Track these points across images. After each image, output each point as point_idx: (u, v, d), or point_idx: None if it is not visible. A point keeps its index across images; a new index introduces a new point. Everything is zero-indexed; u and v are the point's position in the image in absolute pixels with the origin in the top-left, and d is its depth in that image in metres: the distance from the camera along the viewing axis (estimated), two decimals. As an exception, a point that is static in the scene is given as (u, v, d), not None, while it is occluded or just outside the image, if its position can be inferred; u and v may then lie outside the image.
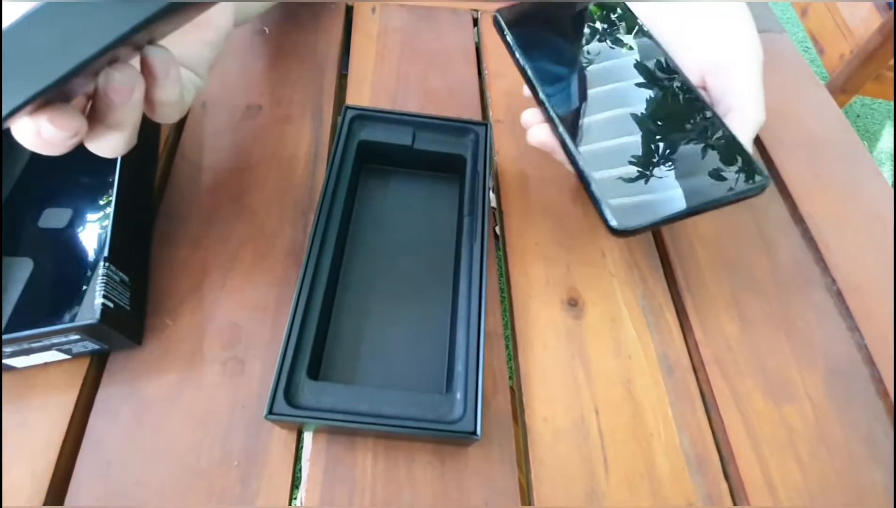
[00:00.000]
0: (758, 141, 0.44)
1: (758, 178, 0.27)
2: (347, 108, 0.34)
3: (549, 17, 0.33)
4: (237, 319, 0.31)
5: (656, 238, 0.37)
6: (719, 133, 0.28)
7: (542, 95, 0.30)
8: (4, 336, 0.23)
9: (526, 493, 0.27)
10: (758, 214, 0.39)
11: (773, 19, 0.55)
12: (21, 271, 0.29)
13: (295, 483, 0.27)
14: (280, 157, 0.37)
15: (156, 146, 0.36)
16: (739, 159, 0.27)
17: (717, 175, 0.27)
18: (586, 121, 0.29)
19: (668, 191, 0.26)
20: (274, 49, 0.44)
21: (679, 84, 0.30)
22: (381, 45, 0.46)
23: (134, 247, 0.30)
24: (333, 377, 0.28)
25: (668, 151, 0.27)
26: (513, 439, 0.28)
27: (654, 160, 0.27)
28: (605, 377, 0.31)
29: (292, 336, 0.26)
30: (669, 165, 0.27)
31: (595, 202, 0.26)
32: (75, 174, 0.33)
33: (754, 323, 0.34)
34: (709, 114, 0.28)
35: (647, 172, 0.27)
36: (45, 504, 0.24)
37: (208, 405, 0.28)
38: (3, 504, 0.24)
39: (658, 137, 0.28)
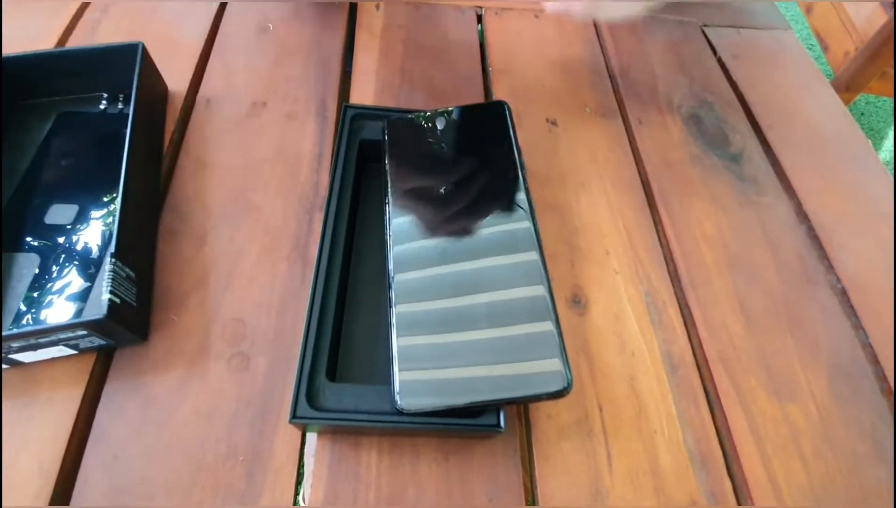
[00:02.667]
0: (762, 138, 0.44)
1: (562, 382, 0.24)
2: (347, 107, 0.34)
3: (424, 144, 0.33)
4: (242, 315, 0.31)
5: (660, 236, 0.37)
6: (543, 321, 0.26)
7: (388, 218, 0.30)
8: (11, 332, 0.24)
9: (530, 490, 0.28)
10: (762, 211, 0.39)
11: (778, 16, 0.55)
12: (28, 266, 0.30)
13: (299, 480, 0.27)
14: (285, 154, 0.37)
15: (160, 142, 0.36)
16: (551, 358, 0.25)
17: (525, 368, 0.25)
18: (411, 276, 0.27)
19: (468, 374, 0.25)
20: (278, 46, 0.44)
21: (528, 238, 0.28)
22: (385, 42, 0.46)
23: (139, 243, 0.30)
24: (349, 378, 0.28)
25: (471, 328, 0.26)
26: (517, 436, 0.28)
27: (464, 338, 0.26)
28: (609, 374, 0.31)
29: (310, 338, 0.26)
30: (475, 349, 0.25)
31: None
32: (81, 170, 0.34)
33: (759, 321, 0.34)
34: (540, 291, 0.27)
35: (454, 349, 0.25)
36: (51, 498, 0.25)
37: (213, 400, 0.28)
38: (5, 504, 0.25)
39: (472, 312, 0.26)
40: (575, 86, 0.45)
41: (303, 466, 0.27)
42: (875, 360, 0.33)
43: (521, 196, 0.30)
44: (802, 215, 0.39)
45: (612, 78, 0.46)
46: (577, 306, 0.33)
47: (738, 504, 0.28)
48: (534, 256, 0.28)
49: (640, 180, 0.40)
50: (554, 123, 0.42)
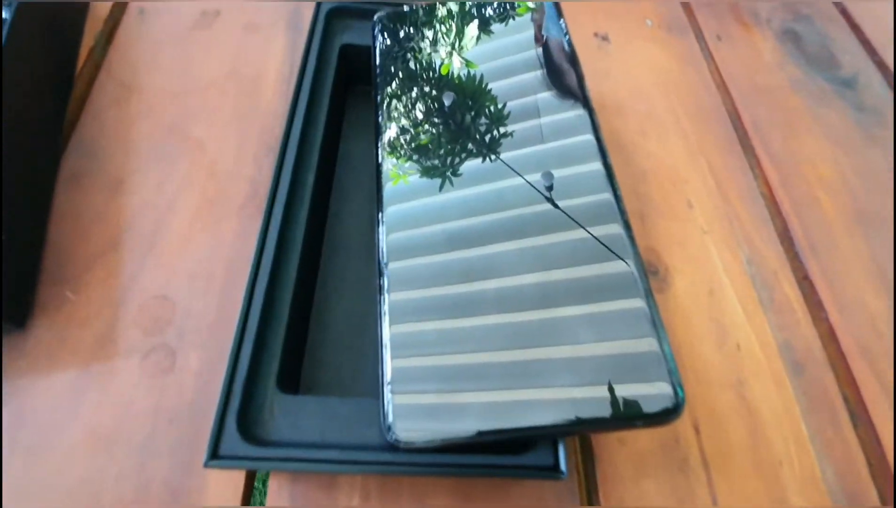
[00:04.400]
0: (877, 59, 0.33)
1: (668, 397, 0.14)
2: (320, 2, 0.24)
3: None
4: (169, 291, 0.21)
5: (759, 182, 0.27)
6: (630, 300, 0.15)
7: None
8: None
9: (596, 555, 0.18)
10: (890, 151, 0.29)
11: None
12: None
13: (243, 541, 0.17)
14: (241, 75, 0.28)
15: (70, 61, 0.27)
16: (648, 360, 0.15)
17: (600, 384, 0.14)
18: (412, 244, 0.17)
19: (501, 387, 0.15)
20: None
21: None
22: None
23: (23, 189, 0.21)
24: (317, 388, 0.19)
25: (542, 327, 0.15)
26: (576, 474, 0.19)
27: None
28: (706, 378, 0.21)
29: (249, 328, 0.17)
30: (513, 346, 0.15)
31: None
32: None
33: (910, 299, 0.24)
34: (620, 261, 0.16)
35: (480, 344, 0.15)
36: None
37: (119, 417, 0.19)
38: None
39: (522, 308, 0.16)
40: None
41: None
42: None
43: (581, 123, 0.19)
44: (946, 157, 0.29)
45: (675, -14, 0.36)
46: (654, 278, 0.23)
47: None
48: (609, 213, 0.17)
49: (724, 111, 0.29)
50: (605, 37, 0.32)
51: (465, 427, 0.14)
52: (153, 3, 0.30)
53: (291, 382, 0.17)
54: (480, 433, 0.14)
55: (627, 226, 0.17)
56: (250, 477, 0.18)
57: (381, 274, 0.17)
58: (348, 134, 0.25)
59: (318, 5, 0.25)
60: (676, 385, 0.14)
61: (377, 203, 0.18)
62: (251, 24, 0.30)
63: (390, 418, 0.14)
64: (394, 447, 0.14)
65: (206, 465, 0.15)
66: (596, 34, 0.32)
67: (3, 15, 0.22)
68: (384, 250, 0.17)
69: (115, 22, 0.29)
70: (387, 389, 0.15)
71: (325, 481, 0.18)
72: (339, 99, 0.24)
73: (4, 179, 0.19)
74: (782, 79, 0.31)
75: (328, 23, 0.24)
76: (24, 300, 0.20)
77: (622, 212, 0.17)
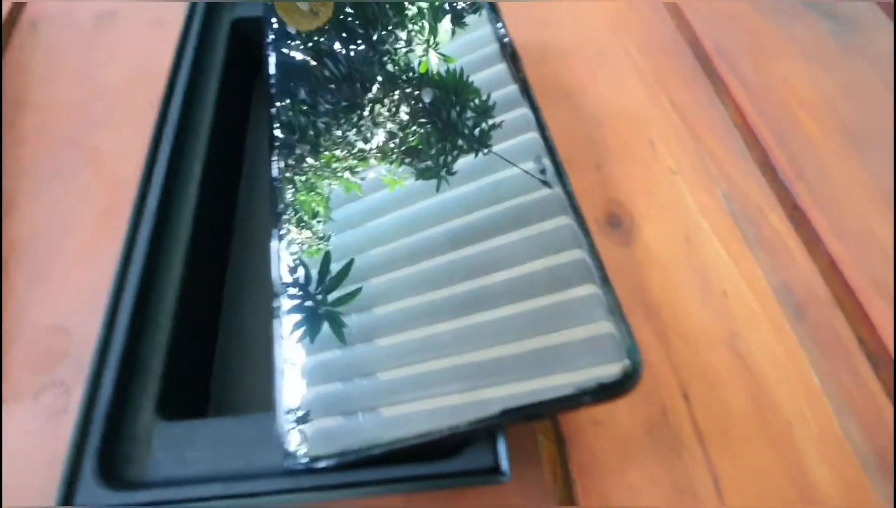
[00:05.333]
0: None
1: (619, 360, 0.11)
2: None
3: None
4: (65, 320, 0.18)
5: (731, 112, 0.24)
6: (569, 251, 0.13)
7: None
8: None
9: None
10: (880, 60, 0.26)
11: None
12: None
13: None
14: (144, 76, 0.25)
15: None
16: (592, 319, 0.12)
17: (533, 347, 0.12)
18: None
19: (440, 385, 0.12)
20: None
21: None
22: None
23: None
24: (236, 408, 0.16)
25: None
26: (544, 464, 0.16)
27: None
28: (690, 336, 0.18)
29: (113, 347, 0.14)
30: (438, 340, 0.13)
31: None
32: None
33: (920, 217, 0.21)
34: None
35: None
36: None
37: (13, 472, 0.16)
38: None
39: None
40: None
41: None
42: None
43: (513, 95, 0.16)
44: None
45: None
46: (616, 231, 0.20)
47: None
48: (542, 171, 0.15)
49: (683, 40, 0.26)
50: (544, -15, 0.29)
51: (371, 438, 0.11)
52: (46, 14, 0.28)
53: (184, 405, 0.14)
54: (389, 443, 0.11)
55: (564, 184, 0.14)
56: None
57: (276, 296, 0.14)
58: (258, 122, 0.22)
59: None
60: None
61: (273, 217, 0.15)
62: (155, 19, 0.27)
63: (288, 445, 0.11)
64: (297, 471, 0.11)
65: None
66: (534, -18, 0.29)
67: None
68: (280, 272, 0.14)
69: (5, 38, 0.27)
70: (283, 416, 0.12)
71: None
72: (237, 83, 0.21)
73: None
74: (751, 6, 0.28)
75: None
76: None
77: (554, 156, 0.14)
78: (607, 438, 0.16)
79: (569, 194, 0.14)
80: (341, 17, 0.19)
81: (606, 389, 0.11)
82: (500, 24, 0.18)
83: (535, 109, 0.16)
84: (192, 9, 0.21)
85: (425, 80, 0.17)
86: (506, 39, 0.18)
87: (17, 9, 0.28)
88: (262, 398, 0.16)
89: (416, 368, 0.12)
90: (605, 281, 0.12)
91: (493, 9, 0.19)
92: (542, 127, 0.16)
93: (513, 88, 0.17)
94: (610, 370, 0.11)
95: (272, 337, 0.13)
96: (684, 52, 0.26)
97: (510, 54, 0.17)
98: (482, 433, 0.12)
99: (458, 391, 0.11)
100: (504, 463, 0.12)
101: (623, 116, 0.23)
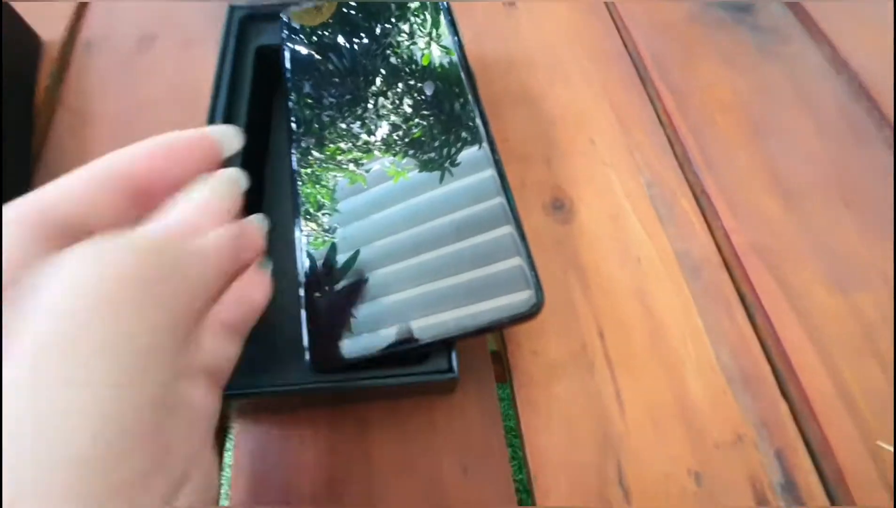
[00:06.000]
0: (779, -21, 0.35)
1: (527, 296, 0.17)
2: (233, 8, 0.27)
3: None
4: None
5: (660, 114, 0.29)
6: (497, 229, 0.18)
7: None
8: None
9: (517, 451, 0.21)
10: (789, 64, 0.31)
11: None
12: None
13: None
14: (181, 90, 0.31)
15: (30, 96, 0.30)
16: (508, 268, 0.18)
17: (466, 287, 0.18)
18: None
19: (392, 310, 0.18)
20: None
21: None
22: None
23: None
24: (271, 343, 0.22)
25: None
26: (493, 385, 0.22)
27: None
28: (610, 291, 0.24)
29: None
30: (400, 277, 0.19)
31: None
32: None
33: (802, 197, 0.26)
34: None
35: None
36: None
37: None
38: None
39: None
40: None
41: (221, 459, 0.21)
42: (965, 223, 0.25)
43: (468, 109, 0.22)
44: (840, 63, 0.31)
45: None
46: (559, 212, 0.26)
47: (800, 428, 0.21)
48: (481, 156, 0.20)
49: (626, 52, 0.31)
50: (511, 3, 0.34)
51: (371, 345, 0.17)
52: (96, 37, 0.33)
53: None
54: (385, 348, 0.17)
55: (501, 174, 0.19)
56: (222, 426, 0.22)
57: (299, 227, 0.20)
58: (278, 130, 0.27)
59: (232, 9, 0.27)
60: (536, 289, 0.17)
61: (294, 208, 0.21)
62: (186, 41, 0.33)
63: (307, 344, 0.18)
64: (316, 368, 0.18)
65: None
66: (504, 2, 0.34)
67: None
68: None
69: (65, 59, 0.32)
70: (305, 325, 0.18)
71: (279, 419, 0.21)
72: (262, 99, 0.27)
73: None
74: (680, 14, 0.33)
75: (241, 26, 0.27)
76: None
77: (497, 162, 0.20)
78: (541, 363, 0.22)
79: (502, 178, 0.19)
80: (344, 11, 0.25)
81: (519, 314, 0.17)
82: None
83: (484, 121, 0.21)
84: (226, 39, 0.26)
85: (427, 72, 0.22)
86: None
87: (73, 32, 0.33)
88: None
89: (394, 301, 0.18)
90: (525, 248, 0.18)
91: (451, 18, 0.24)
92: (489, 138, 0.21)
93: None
94: (522, 297, 0.17)
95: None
96: (626, 62, 0.31)
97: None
98: (440, 345, 0.18)
99: (421, 317, 0.17)
100: (455, 367, 0.18)
101: (571, 117, 0.29)
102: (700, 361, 0.22)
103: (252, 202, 0.23)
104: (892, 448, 0.20)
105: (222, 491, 0.20)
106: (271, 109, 0.28)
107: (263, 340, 0.18)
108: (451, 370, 0.18)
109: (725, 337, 0.23)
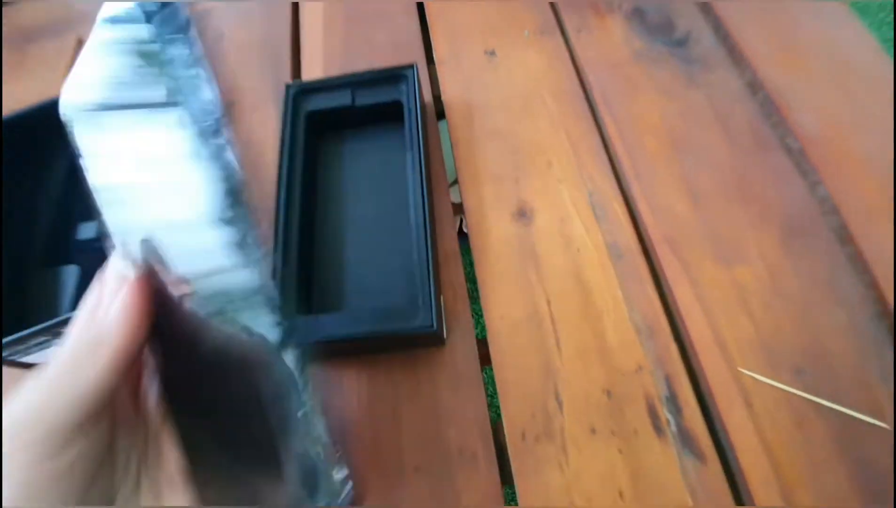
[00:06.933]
0: (711, 15, 0.43)
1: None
2: (289, 85, 0.38)
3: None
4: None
5: (604, 138, 0.38)
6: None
7: None
8: (35, 329, 0.30)
9: (488, 380, 0.31)
10: (711, 89, 0.39)
11: None
12: (71, 276, 0.37)
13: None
14: (253, 139, 0.43)
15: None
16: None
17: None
18: None
19: None
20: (235, 49, 0.49)
21: None
22: (328, 18, 0.49)
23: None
24: (323, 309, 0.33)
25: None
26: (474, 339, 0.32)
27: None
28: (555, 273, 0.34)
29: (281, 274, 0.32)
30: None
31: None
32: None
33: (707, 197, 0.35)
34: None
35: None
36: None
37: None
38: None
39: None
40: (511, 12, 0.46)
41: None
42: (834, 211, 0.33)
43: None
44: (757, 85, 0.39)
45: (549, -6, 0.47)
46: (523, 219, 0.36)
47: (685, 361, 0.30)
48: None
49: (581, 90, 0.41)
50: (493, 53, 0.44)
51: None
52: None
53: (306, 307, 0.32)
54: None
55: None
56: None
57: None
58: (321, 163, 0.39)
59: (288, 88, 0.39)
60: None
61: None
62: (254, 106, 0.45)
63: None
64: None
65: None
66: (486, 51, 0.44)
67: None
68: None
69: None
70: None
71: (335, 367, 0.32)
72: (313, 148, 0.38)
73: None
74: (627, 52, 0.42)
75: (295, 99, 0.38)
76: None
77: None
78: (506, 323, 0.32)
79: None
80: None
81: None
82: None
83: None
84: (286, 107, 0.38)
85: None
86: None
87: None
88: (343, 300, 0.33)
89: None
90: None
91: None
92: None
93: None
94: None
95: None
96: (581, 99, 0.40)
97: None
98: (427, 303, 0.28)
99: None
100: (434, 322, 0.28)
101: (536, 146, 0.38)
102: (617, 319, 0.32)
103: (307, 222, 0.35)
104: (750, 373, 0.29)
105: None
106: (318, 154, 0.39)
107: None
108: (431, 325, 0.28)
109: (637, 303, 0.32)
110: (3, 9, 0.55)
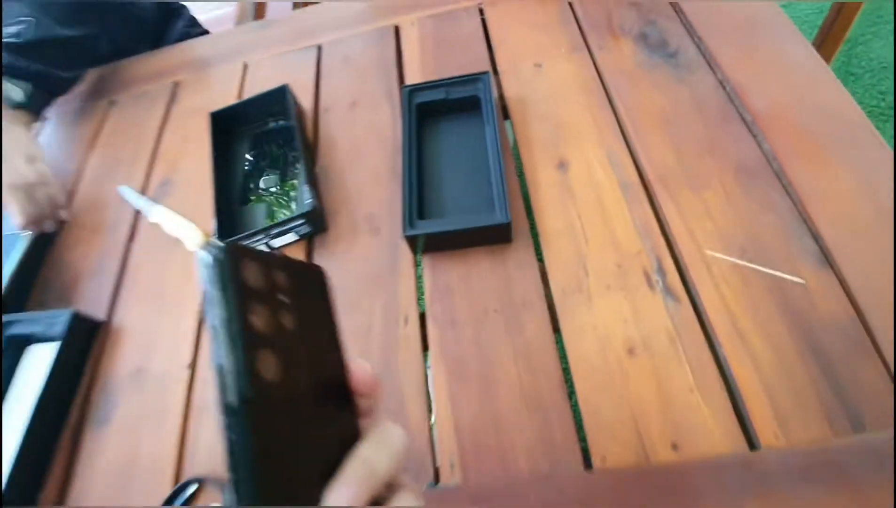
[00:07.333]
0: (696, 36, 0.60)
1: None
2: (403, 87, 0.58)
3: None
4: (376, 209, 0.55)
5: (618, 119, 0.56)
6: None
7: None
8: (273, 223, 0.49)
9: (541, 264, 0.49)
10: (693, 85, 0.56)
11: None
12: (260, 211, 0.57)
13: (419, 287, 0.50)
14: (373, 131, 0.62)
15: (304, 146, 0.63)
16: None
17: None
18: None
19: None
20: (356, 64, 0.69)
21: None
22: (422, 41, 0.69)
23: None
24: (432, 217, 0.51)
25: None
26: (531, 241, 0.50)
27: None
28: (583, 200, 0.51)
29: (406, 199, 0.50)
30: None
31: None
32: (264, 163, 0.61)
33: (686, 153, 0.52)
34: None
35: None
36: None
37: (373, 264, 0.53)
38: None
39: None
40: (552, 36, 0.65)
41: (420, 280, 0.51)
42: (774, 158, 0.49)
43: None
44: (725, 81, 0.56)
45: (577, 21, 0.65)
46: (561, 168, 0.53)
47: (670, 249, 0.46)
48: None
49: (602, 87, 0.59)
50: (539, 65, 0.63)
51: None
52: (329, 104, 0.66)
53: (422, 215, 0.50)
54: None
55: None
56: (415, 264, 0.51)
57: None
58: (428, 138, 0.58)
59: (403, 88, 0.58)
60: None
61: None
62: (373, 104, 0.65)
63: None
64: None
65: (404, 235, 0.48)
66: (534, 64, 0.63)
67: (289, 123, 0.59)
68: None
69: (316, 117, 0.65)
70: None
71: (441, 259, 0.50)
72: (421, 125, 0.57)
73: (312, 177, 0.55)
74: (634, 62, 0.60)
75: (409, 95, 0.58)
76: (323, 218, 0.55)
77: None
78: (551, 231, 0.50)
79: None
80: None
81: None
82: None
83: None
84: (403, 102, 0.57)
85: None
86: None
87: (318, 100, 0.67)
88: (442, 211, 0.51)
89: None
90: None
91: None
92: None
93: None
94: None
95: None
96: (603, 98, 0.58)
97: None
98: (502, 208, 0.46)
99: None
100: (508, 218, 0.46)
101: (569, 124, 0.56)
102: (624, 225, 0.48)
103: (421, 169, 0.53)
104: (711, 252, 0.45)
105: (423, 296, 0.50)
106: (425, 131, 0.58)
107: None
108: (507, 220, 0.46)
109: (638, 215, 0.49)
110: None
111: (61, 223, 0.64)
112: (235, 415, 0.16)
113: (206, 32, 0.93)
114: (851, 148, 0.48)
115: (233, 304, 0.17)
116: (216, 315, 0.17)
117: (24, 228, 0.60)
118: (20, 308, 0.58)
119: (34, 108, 0.68)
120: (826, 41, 1.16)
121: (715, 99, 0.55)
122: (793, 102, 0.52)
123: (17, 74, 0.65)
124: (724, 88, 0.56)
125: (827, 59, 1.12)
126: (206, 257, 0.17)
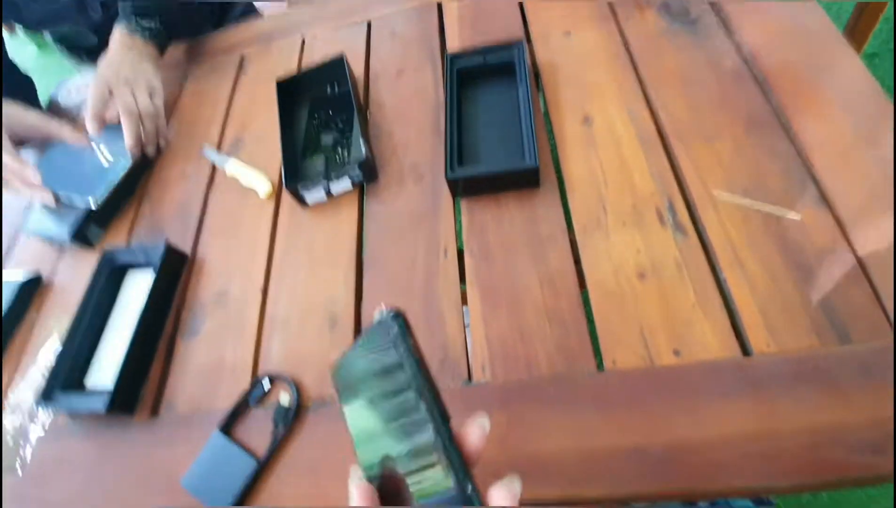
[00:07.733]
0: (716, 5, 0.65)
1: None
2: (446, 54, 0.66)
3: None
4: (419, 158, 0.63)
5: (641, 81, 0.62)
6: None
7: None
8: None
9: (566, 211, 0.55)
10: (710, 49, 0.61)
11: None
12: (320, 162, 0.66)
13: (457, 220, 0.58)
14: (417, 92, 0.70)
15: (354, 98, 0.71)
16: None
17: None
18: None
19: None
20: (402, 44, 0.77)
21: None
22: (462, 14, 0.76)
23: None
24: (469, 163, 0.59)
25: None
26: (557, 186, 0.56)
27: None
28: (604, 151, 0.57)
29: (448, 148, 0.57)
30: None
31: None
32: (326, 120, 0.70)
33: (701, 108, 0.57)
34: None
35: None
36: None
37: (411, 205, 0.61)
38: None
39: None
40: (581, 8, 0.70)
41: (459, 220, 0.58)
42: (782, 112, 0.54)
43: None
44: (740, 45, 0.61)
45: (607, -3, 0.71)
46: (586, 123, 0.60)
47: (681, 188, 0.52)
48: None
49: (627, 53, 0.64)
50: (569, 33, 0.69)
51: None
52: (378, 71, 0.74)
53: (460, 161, 0.58)
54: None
55: None
56: (455, 205, 0.59)
57: None
58: (466, 97, 0.65)
59: (446, 56, 0.66)
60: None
61: None
62: (417, 70, 0.72)
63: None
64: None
65: (447, 177, 0.56)
66: (564, 32, 0.69)
67: (346, 89, 0.67)
68: None
69: (367, 88, 0.74)
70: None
71: (477, 201, 0.58)
72: (461, 87, 0.64)
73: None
74: (657, 30, 0.65)
75: (451, 60, 0.65)
76: (375, 169, 0.63)
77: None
78: (576, 179, 0.56)
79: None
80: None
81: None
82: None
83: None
84: (444, 66, 0.64)
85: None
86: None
87: (369, 70, 0.75)
88: (479, 156, 0.59)
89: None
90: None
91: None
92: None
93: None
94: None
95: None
96: (627, 64, 0.64)
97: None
98: (531, 153, 0.53)
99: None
100: (536, 161, 0.53)
101: (594, 84, 0.62)
102: (641, 172, 0.54)
103: (461, 122, 0.61)
104: (718, 192, 0.51)
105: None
106: (465, 92, 0.65)
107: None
108: (535, 164, 0.53)
109: (654, 163, 0.55)
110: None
111: (159, 153, 0.77)
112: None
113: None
114: (855, 102, 0.53)
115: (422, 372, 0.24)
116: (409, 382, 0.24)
117: (132, 149, 0.71)
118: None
119: (161, 41, 0.79)
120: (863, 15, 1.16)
121: (730, 61, 0.60)
122: (803, 61, 0.57)
123: (145, 13, 0.76)
124: (739, 50, 0.60)
125: (865, 34, 1.13)
126: (390, 324, 0.24)
